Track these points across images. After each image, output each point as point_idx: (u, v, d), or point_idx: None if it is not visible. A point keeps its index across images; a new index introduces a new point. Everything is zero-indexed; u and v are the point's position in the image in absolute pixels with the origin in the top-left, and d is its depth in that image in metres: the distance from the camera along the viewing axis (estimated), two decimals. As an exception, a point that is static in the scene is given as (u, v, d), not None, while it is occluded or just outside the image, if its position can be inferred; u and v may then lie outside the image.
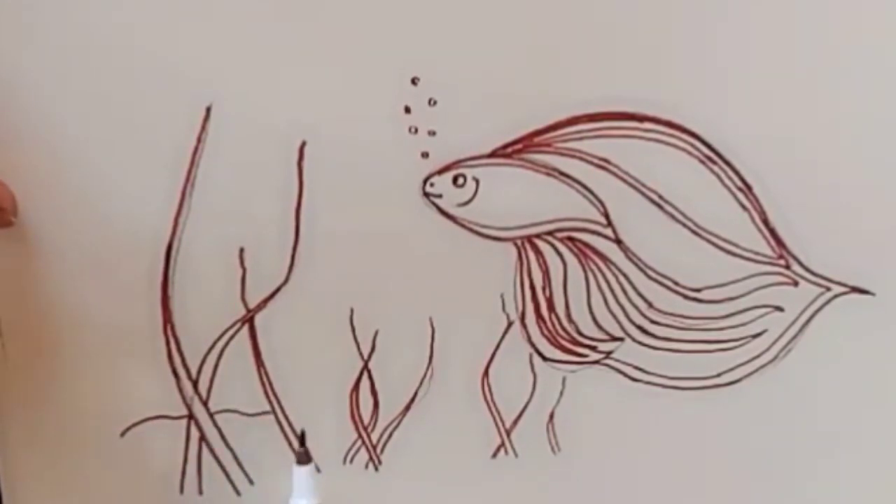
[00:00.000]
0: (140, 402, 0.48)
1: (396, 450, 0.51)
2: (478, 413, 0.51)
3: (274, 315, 0.48)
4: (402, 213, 0.47)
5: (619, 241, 0.49)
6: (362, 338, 0.49)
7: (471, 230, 0.48)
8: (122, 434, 0.48)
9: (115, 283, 0.47)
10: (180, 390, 0.48)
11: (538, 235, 0.49)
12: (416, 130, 0.47)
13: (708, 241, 0.49)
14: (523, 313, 0.50)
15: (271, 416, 0.49)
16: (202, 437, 0.49)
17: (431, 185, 0.47)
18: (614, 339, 0.50)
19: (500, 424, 0.51)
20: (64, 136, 0.45)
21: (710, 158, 0.48)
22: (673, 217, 0.49)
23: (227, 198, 0.46)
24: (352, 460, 0.51)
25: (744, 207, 0.49)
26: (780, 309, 0.51)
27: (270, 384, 0.49)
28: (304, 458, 0.47)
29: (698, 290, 0.50)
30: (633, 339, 0.51)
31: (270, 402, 0.49)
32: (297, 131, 0.46)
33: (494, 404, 0.51)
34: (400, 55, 0.46)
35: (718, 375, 0.51)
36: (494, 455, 0.52)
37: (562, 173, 0.48)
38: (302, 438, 0.47)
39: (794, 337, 0.51)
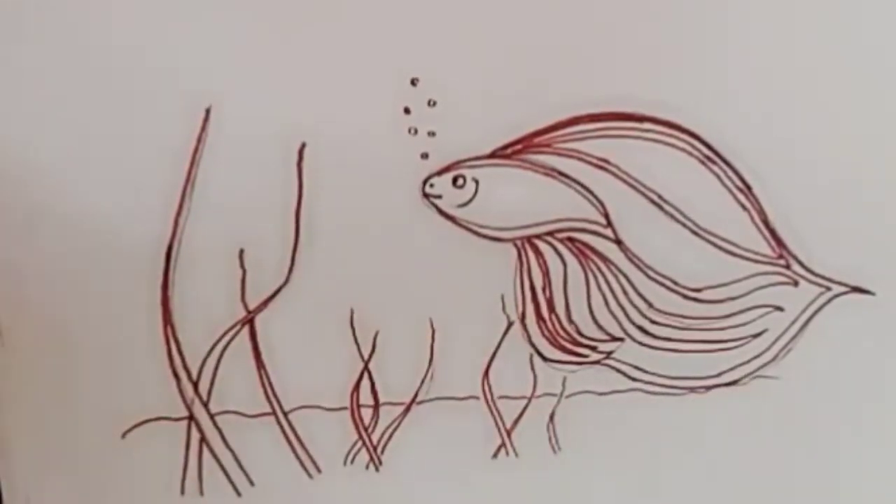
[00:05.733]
0: (141, 403, 0.48)
1: (397, 450, 0.51)
2: (478, 413, 0.51)
3: (274, 316, 0.48)
4: (401, 213, 0.47)
5: (619, 242, 0.49)
6: (362, 338, 0.49)
7: (471, 231, 0.48)
8: (124, 436, 0.48)
9: (114, 284, 0.47)
10: (181, 392, 0.48)
11: (538, 236, 0.49)
12: (416, 131, 0.47)
13: (708, 241, 0.49)
14: (523, 314, 0.50)
15: (272, 418, 0.49)
16: (203, 439, 0.49)
17: (431, 185, 0.47)
18: (615, 339, 0.50)
19: (500, 425, 0.51)
20: (64, 136, 0.45)
21: (710, 158, 0.48)
22: (673, 217, 0.49)
23: (227, 199, 0.46)
24: (352, 461, 0.51)
25: (744, 207, 0.49)
26: (780, 309, 0.51)
27: (271, 385, 0.49)
28: None
29: (698, 290, 0.50)
30: (634, 340, 0.51)
31: (271, 404, 0.49)
32: (296, 132, 0.46)
33: (495, 404, 0.51)
34: (400, 56, 0.46)
35: (718, 375, 0.51)
36: (495, 455, 0.52)
37: (562, 174, 0.48)
38: None
39: (795, 337, 0.51)
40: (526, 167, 0.48)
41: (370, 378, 0.50)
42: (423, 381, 0.50)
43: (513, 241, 0.49)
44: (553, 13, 0.46)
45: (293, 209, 0.47)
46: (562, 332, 0.50)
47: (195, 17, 0.44)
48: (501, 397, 0.51)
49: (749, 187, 0.49)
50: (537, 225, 0.49)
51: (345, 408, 0.50)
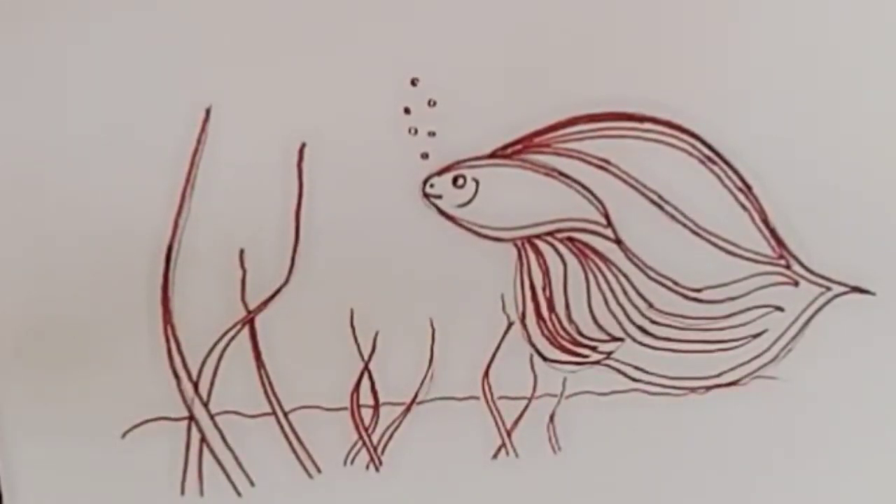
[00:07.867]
0: (141, 403, 0.48)
1: (397, 450, 0.51)
2: (478, 414, 0.51)
3: (274, 316, 0.48)
4: (401, 214, 0.47)
5: (619, 242, 0.49)
6: (362, 338, 0.49)
7: (471, 231, 0.48)
8: (124, 435, 0.48)
9: (115, 284, 0.47)
10: (181, 392, 0.48)
11: (538, 236, 0.49)
12: (416, 131, 0.47)
13: (708, 241, 0.49)
14: (523, 314, 0.50)
15: (272, 418, 0.49)
16: (203, 439, 0.49)
17: (431, 185, 0.47)
18: (615, 339, 0.50)
19: (500, 425, 0.51)
20: (64, 136, 0.45)
21: (710, 158, 0.48)
22: (673, 217, 0.49)
23: (227, 199, 0.46)
24: (352, 461, 0.51)
25: (744, 207, 0.49)
26: (780, 309, 0.51)
27: (271, 385, 0.49)
28: None
29: (698, 291, 0.50)
30: (634, 340, 0.51)
31: (271, 404, 0.49)
32: (296, 132, 0.46)
33: (495, 405, 0.51)
34: (399, 56, 0.46)
35: (718, 375, 0.51)
36: (495, 455, 0.52)
37: (562, 174, 0.48)
38: None
39: (795, 337, 0.51)
40: (526, 167, 0.48)
41: (370, 378, 0.50)
42: (423, 381, 0.50)
43: (513, 241, 0.49)
44: (552, 14, 0.46)
45: (293, 209, 0.47)
46: (562, 332, 0.50)
47: (195, 17, 0.45)
48: (501, 397, 0.51)
49: (749, 187, 0.49)
50: (537, 225, 0.49)
51: (345, 408, 0.50)
